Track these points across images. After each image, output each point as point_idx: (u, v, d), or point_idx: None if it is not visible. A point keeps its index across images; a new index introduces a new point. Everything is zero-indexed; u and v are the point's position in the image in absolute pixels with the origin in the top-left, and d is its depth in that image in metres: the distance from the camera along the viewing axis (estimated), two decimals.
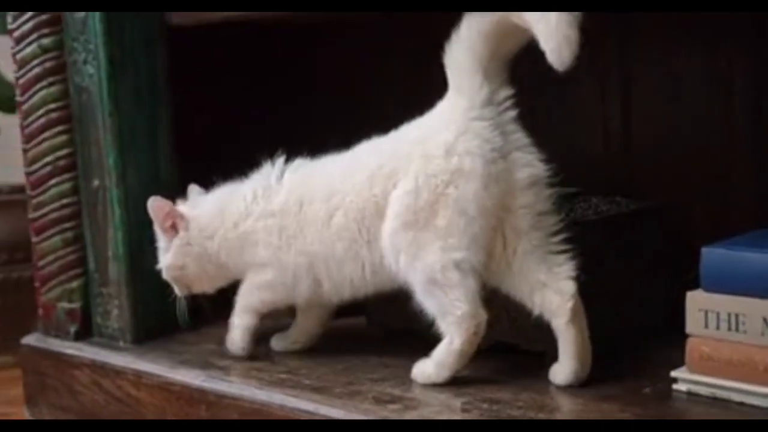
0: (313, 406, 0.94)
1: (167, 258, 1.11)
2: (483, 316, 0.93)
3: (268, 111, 1.45)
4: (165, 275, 1.12)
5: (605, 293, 1.00)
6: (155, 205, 1.10)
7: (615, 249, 1.04)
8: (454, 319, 0.92)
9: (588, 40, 1.16)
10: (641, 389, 0.91)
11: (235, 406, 1.01)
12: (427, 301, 0.94)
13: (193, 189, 1.15)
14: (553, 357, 0.95)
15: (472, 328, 0.92)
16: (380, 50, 1.40)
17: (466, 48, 0.92)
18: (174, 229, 1.10)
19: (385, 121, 1.01)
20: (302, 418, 0.94)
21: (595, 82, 1.23)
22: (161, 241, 1.12)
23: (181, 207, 1.11)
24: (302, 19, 1.22)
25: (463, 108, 0.93)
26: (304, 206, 1.03)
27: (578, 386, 0.92)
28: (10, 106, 1.80)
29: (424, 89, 0.96)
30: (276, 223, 1.05)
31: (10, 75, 1.81)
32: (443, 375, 0.95)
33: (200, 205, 1.12)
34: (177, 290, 1.12)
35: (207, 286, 1.12)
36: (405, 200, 0.93)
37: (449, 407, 0.90)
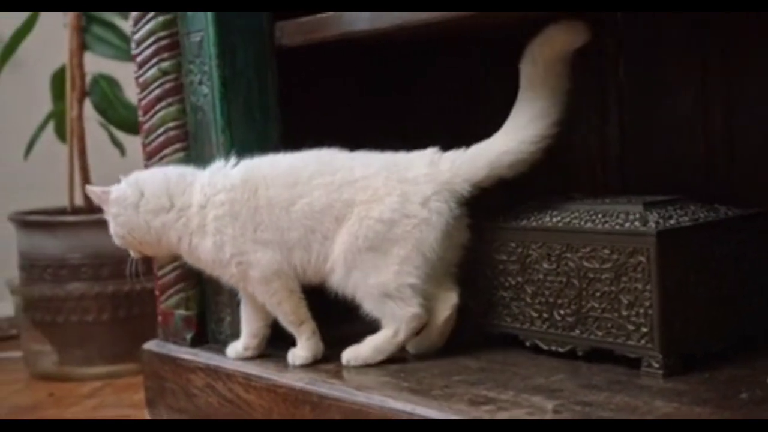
0: (410, 407, 0.97)
1: (110, 228, 1.21)
2: (426, 316, 1.12)
3: (374, 128, 1.49)
4: (117, 243, 1.22)
5: (706, 300, 1.00)
6: (90, 192, 1.23)
7: (715, 256, 1.04)
8: (401, 319, 1.10)
9: (689, 46, 1.17)
10: (738, 395, 0.91)
11: (337, 406, 1.05)
12: (376, 308, 1.12)
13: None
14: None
15: (417, 327, 1.12)
16: (476, 73, 1.43)
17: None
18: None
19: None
20: (401, 417, 0.97)
21: (697, 88, 1.23)
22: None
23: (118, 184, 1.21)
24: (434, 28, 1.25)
25: (445, 177, 1.12)
26: (259, 191, 1.14)
27: (675, 393, 0.92)
28: (134, 128, 1.93)
29: None
30: (226, 211, 1.14)
31: (133, 99, 1.94)
32: (378, 358, 1.13)
33: (142, 181, 1.20)
34: (132, 253, 1.23)
35: (147, 253, 1.22)
36: (377, 227, 1.10)
37: (541, 409, 0.92)
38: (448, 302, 1.14)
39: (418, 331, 1.14)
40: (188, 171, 1.21)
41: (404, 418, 0.97)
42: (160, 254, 1.24)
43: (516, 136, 1.12)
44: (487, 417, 0.91)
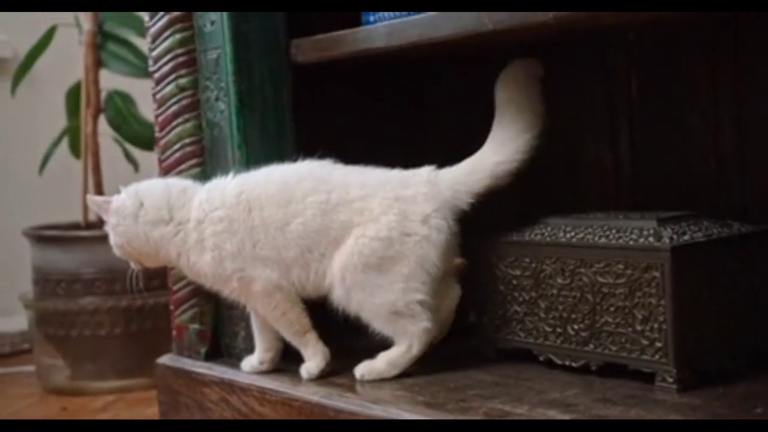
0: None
1: (110, 239, 1.22)
2: (436, 330, 1.14)
3: (387, 144, 1.51)
4: (118, 254, 1.23)
5: (719, 315, 1.01)
6: (91, 201, 1.25)
7: (728, 271, 1.04)
8: (416, 333, 1.12)
9: (699, 63, 1.18)
10: (752, 409, 0.91)
11: (353, 421, 1.06)
12: (386, 327, 1.13)
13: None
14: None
15: (429, 341, 1.14)
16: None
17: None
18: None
19: None
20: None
21: (708, 104, 1.24)
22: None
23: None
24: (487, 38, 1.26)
25: (446, 196, 1.14)
26: (253, 212, 1.15)
27: (690, 407, 0.93)
28: (149, 144, 1.94)
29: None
30: (225, 228, 1.15)
31: (147, 115, 1.96)
32: (392, 373, 1.14)
33: (142, 192, 1.21)
34: (132, 265, 1.23)
35: (147, 264, 1.23)
36: (374, 245, 1.11)
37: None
38: (450, 295, 1.19)
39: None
40: (189, 185, 1.22)
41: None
42: (158, 265, 1.24)
43: (508, 147, 1.16)
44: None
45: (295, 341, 1.19)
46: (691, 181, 1.25)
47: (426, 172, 1.16)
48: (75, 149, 2.00)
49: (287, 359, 1.23)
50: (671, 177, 1.31)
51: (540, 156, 1.49)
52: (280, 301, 1.16)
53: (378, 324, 1.13)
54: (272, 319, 1.18)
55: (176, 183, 1.23)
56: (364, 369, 1.15)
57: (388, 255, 1.11)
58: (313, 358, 1.18)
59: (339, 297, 1.14)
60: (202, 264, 1.17)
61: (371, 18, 1.27)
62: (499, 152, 1.16)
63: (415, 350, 1.13)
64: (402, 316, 1.12)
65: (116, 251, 1.23)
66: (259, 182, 1.18)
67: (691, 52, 1.26)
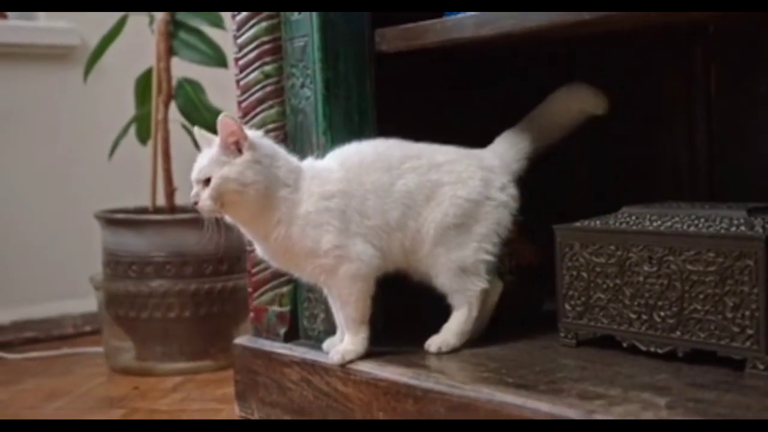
0: (520, 401, 1.00)
1: (232, 170, 1.13)
2: (492, 287, 1.25)
3: (468, 134, 1.53)
4: (214, 190, 1.13)
5: None
6: (226, 119, 1.15)
7: None
8: (473, 294, 1.23)
9: None
10: None
11: (442, 400, 1.08)
12: (452, 281, 1.22)
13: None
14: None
15: (484, 300, 1.24)
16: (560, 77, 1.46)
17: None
18: (237, 148, 1.15)
19: None
20: (510, 412, 1.00)
21: None
22: (216, 154, 1.15)
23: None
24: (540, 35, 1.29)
25: (513, 169, 1.29)
26: (363, 177, 1.20)
27: None
28: (216, 131, 1.97)
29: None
30: (336, 204, 1.18)
31: (216, 102, 1.99)
32: (463, 340, 1.24)
33: (275, 147, 1.20)
34: (207, 211, 1.15)
35: (240, 215, 1.17)
36: (465, 205, 1.22)
37: (654, 404, 0.94)
38: (495, 289, 1.27)
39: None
40: (295, 160, 1.23)
41: (514, 411, 1.00)
42: (243, 224, 1.19)
43: (539, 135, 1.31)
44: (601, 411, 0.93)
45: (350, 325, 1.22)
46: None
47: (495, 148, 1.30)
48: (142, 136, 2.04)
49: (372, 339, 1.25)
50: (748, 170, 1.33)
51: (615, 149, 1.51)
52: (361, 289, 1.20)
53: (445, 278, 1.22)
54: (344, 301, 1.21)
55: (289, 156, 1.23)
56: (438, 342, 1.23)
57: (472, 215, 1.23)
58: (353, 346, 1.22)
59: (423, 256, 1.22)
60: (300, 236, 1.17)
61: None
62: (534, 137, 1.31)
63: (475, 311, 1.24)
64: (467, 273, 1.22)
65: (220, 187, 1.13)
66: (351, 154, 1.23)
67: None
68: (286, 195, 1.17)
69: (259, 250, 1.24)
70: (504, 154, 1.29)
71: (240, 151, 1.15)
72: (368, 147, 1.24)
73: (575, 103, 1.31)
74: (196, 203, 1.16)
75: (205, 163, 1.16)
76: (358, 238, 1.19)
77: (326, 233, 1.17)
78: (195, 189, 1.16)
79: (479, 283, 1.23)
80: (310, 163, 1.24)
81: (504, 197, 1.25)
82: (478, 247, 1.23)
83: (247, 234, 1.23)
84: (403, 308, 1.30)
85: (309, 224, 1.17)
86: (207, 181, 1.15)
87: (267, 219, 1.17)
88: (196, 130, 1.22)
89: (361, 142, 1.25)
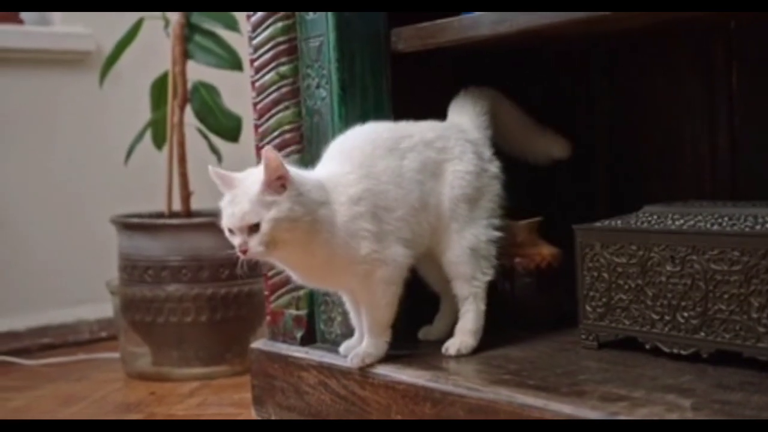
0: (542, 403, 0.98)
1: (281, 210, 1.07)
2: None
3: None
4: (266, 235, 1.07)
5: None
6: (272, 155, 1.07)
7: None
8: (480, 284, 1.23)
9: None
10: None
11: (461, 403, 1.07)
12: (463, 265, 1.23)
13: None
14: None
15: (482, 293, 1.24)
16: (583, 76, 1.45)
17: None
18: (281, 185, 1.09)
19: None
20: (531, 415, 0.98)
21: None
22: (257, 195, 1.07)
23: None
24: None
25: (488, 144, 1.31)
26: (377, 162, 1.18)
27: None
28: (233, 136, 1.97)
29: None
30: (366, 207, 1.15)
31: (231, 106, 1.99)
32: (478, 339, 1.23)
33: (297, 174, 1.13)
34: (259, 253, 1.08)
35: (290, 250, 1.11)
36: (467, 177, 1.23)
37: (679, 406, 0.92)
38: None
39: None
40: (312, 174, 1.19)
41: (535, 414, 0.98)
42: (287, 251, 1.12)
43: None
44: (625, 413, 0.91)
45: (375, 327, 1.21)
46: None
47: (465, 120, 1.32)
48: (157, 140, 2.03)
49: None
50: None
51: (634, 148, 1.49)
52: (394, 293, 1.19)
53: (458, 261, 1.23)
54: (374, 305, 1.19)
55: (308, 171, 1.19)
56: (458, 345, 1.23)
57: (476, 186, 1.24)
58: (374, 349, 1.21)
59: (442, 230, 1.23)
60: (343, 247, 1.14)
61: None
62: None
63: (483, 305, 1.24)
64: (478, 256, 1.23)
65: (274, 227, 1.07)
66: (350, 152, 1.20)
67: None
68: (325, 213, 1.12)
69: (296, 276, 1.19)
70: (479, 126, 1.31)
71: (284, 187, 1.09)
72: (358, 140, 1.21)
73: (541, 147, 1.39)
74: (244, 252, 1.08)
75: (248, 208, 1.07)
76: (392, 239, 1.17)
77: (363, 239, 1.15)
78: (239, 238, 1.08)
79: (488, 272, 1.24)
80: (319, 173, 1.19)
81: (494, 169, 1.28)
82: (488, 224, 1.24)
83: (288, 266, 1.18)
84: (418, 311, 1.29)
85: (348, 233, 1.14)
86: (251, 227, 1.08)
87: (315, 244, 1.12)
88: (212, 170, 1.12)
89: (342, 140, 1.22)
